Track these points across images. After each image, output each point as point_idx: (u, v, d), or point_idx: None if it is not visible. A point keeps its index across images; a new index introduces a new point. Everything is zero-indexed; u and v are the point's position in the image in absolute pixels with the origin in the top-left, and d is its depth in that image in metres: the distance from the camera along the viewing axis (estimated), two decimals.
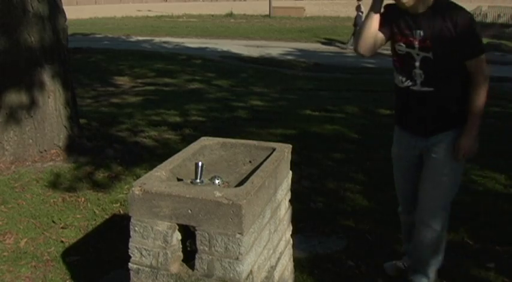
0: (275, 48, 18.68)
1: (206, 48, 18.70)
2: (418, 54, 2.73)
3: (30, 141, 4.98)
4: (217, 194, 1.94)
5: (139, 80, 11.29)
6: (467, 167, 5.04)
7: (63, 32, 5.14)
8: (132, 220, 2.08)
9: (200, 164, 2.12)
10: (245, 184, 2.04)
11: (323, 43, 21.01)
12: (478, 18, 26.46)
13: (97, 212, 3.99)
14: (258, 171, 2.18)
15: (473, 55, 2.67)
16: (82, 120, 5.86)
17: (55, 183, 4.51)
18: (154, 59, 14.60)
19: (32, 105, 4.92)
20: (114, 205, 4.10)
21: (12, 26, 4.69)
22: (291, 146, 2.57)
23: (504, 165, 5.13)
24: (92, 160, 5.02)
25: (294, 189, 2.74)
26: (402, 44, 2.77)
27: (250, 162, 2.48)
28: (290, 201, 2.64)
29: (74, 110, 5.36)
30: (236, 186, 2.15)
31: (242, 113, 7.59)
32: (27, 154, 4.97)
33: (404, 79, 2.81)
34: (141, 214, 2.05)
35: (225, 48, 18.52)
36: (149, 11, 40.33)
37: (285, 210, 2.54)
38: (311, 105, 8.20)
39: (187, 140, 5.10)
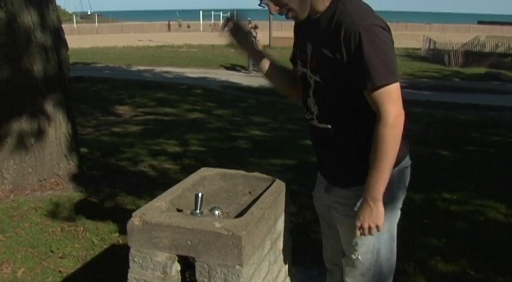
0: None
1: (206, 78, 18.82)
2: (310, 77, 2.06)
3: (30, 169, 4.98)
4: (217, 225, 1.94)
5: (140, 110, 11.34)
6: (467, 195, 5.08)
7: (65, 62, 5.19)
8: (131, 250, 2.07)
9: (200, 194, 2.12)
10: (245, 215, 2.04)
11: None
12: (476, 48, 26.67)
13: (96, 241, 3.97)
14: (257, 202, 2.18)
15: (367, 85, 1.85)
16: (83, 149, 5.87)
17: (54, 212, 4.49)
18: (155, 88, 14.69)
19: (33, 134, 4.93)
20: (113, 235, 4.07)
21: (15, 55, 4.74)
22: (291, 176, 2.57)
23: (504, 194, 5.12)
24: (92, 189, 5.01)
25: (294, 220, 2.73)
26: (299, 62, 2.13)
27: (250, 193, 2.48)
28: (290, 231, 2.63)
29: (75, 139, 5.37)
30: (236, 217, 2.15)
31: (242, 143, 7.61)
32: (27, 183, 4.97)
33: (305, 110, 2.18)
34: (140, 244, 2.04)
35: (224, 78, 18.63)
36: (150, 40, 40.68)
37: (284, 241, 2.53)
38: None
39: (187, 170, 5.09)
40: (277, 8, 1.99)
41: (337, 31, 1.86)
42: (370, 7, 1.93)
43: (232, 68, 22.30)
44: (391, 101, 1.85)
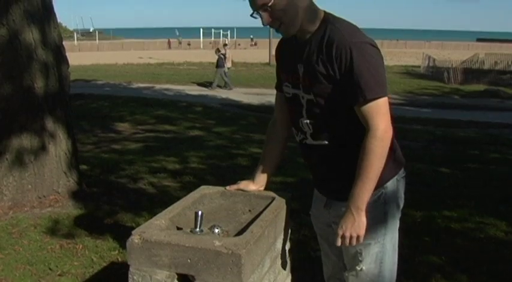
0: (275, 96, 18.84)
1: (206, 95, 18.87)
2: (303, 97, 2.10)
3: (29, 186, 4.97)
4: (217, 243, 1.93)
5: (140, 127, 11.36)
6: (467, 213, 5.06)
7: (66, 79, 5.21)
8: (130, 268, 2.06)
9: (200, 213, 2.11)
10: (244, 233, 2.03)
11: None
12: (475, 66, 26.82)
13: (95, 259, 3.95)
14: (257, 220, 2.18)
15: (359, 99, 1.93)
16: (82, 167, 5.86)
17: (53, 229, 4.48)
18: (155, 105, 14.72)
19: (33, 150, 4.93)
20: (112, 253, 4.06)
21: (16, 72, 4.76)
22: (290, 194, 2.57)
23: (505, 212, 5.11)
24: (91, 207, 5.00)
25: (294, 238, 2.72)
26: (288, 84, 2.18)
27: (249, 211, 2.47)
28: (290, 250, 2.62)
29: (74, 156, 5.37)
30: (236, 235, 2.14)
31: (242, 160, 7.59)
32: (26, 200, 4.96)
33: (296, 131, 2.26)
34: (139, 263, 2.03)
35: (224, 96, 18.68)
36: (150, 58, 40.88)
37: (284, 259, 2.52)
38: None
39: (187, 188, 5.09)
40: (270, 19, 2.01)
41: (329, 48, 1.95)
42: (357, 27, 2.03)
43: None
44: (380, 115, 1.94)
